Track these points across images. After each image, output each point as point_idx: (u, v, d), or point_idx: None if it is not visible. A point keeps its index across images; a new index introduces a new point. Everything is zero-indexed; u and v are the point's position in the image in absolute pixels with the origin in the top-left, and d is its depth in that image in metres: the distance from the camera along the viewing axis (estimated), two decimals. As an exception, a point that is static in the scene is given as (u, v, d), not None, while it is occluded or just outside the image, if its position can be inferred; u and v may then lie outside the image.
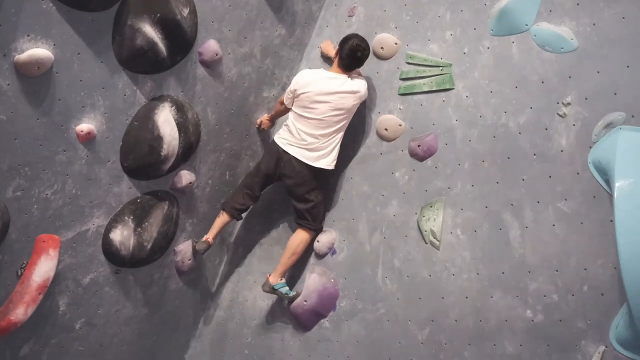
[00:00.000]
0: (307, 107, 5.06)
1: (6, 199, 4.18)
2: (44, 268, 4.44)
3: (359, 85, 5.07)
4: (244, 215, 5.52)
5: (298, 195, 5.29)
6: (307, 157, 5.12)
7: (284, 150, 5.17)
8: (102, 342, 5.11)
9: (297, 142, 5.12)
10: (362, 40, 5.07)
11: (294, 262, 5.36)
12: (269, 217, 5.78)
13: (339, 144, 5.16)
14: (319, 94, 5.01)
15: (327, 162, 5.15)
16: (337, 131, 5.10)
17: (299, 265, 5.49)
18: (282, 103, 5.37)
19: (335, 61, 5.15)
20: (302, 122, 5.10)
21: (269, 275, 5.32)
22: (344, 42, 5.08)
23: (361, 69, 5.28)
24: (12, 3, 3.90)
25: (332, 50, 5.35)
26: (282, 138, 5.20)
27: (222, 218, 5.43)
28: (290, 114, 5.21)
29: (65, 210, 4.54)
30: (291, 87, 5.16)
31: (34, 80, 4.13)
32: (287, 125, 5.21)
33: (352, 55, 5.05)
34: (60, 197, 4.47)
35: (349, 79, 5.09)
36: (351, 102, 5.04)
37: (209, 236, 5.39)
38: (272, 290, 5.29)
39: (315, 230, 5.38)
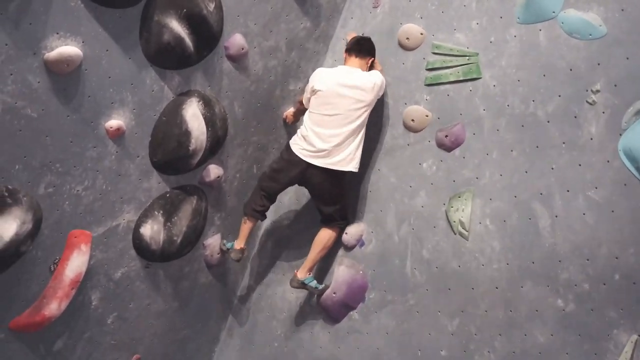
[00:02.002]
0: (327, 103, 5.00)
1: (38, 195, 4.24)
2: (76, 263, 4.49)
3: (375, 78, 5.05)
4: (267, 214, 5.52)
5: (326, 199, 5.27)
6: (335, 163, 5.03)
7: (309, 163, 5.07)
8: (134, 336, 5.17)
9: (319, 150, 5.01)
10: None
11: (323, 257, 5.37)
12: (297, 211, 5.79)
13: (362, 143, 5.10)
14: (338, 88, 4.98)
15: (355, 164, 5.09)
16: (359, 127, 5.02)
17: (327, 257, 5.49)
18: (301, 103, 5.36)
19: (345, 56, 5.20)
20: (322, 122, 5.01)
21: (297, 271, 5.31)
22: (348, 43, 5.27)
23: (387, 61, 5.27)
24: (41, 1, 3.95)
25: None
26: (303, 149, 5.07)
27: (248, 224, 5.38)
28: (306, 120, 5.13)
29: (96, 205, 4.59)
30: (308, 85, 5.16)
31: (64, 78, 4.18)
32: (304, 135, 5.07)
33: (357, 42, 5.18)
34: (91, 192, 4.52)
35: (365, 72, 5.09)
36: (369, 95, 5.00)
37: (240, 244, 5.37)
38: (302, 285, 5.29)
39: (344, 227, 5.39)
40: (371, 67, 5.20)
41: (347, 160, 5.04)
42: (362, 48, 5.15)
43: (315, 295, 5.46)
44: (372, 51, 5.19)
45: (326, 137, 5.00)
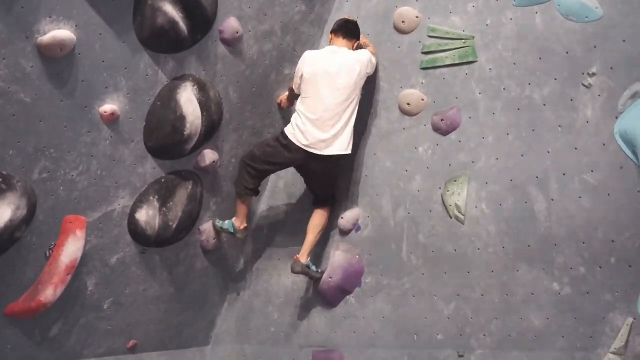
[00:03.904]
0: (319, 87, 4.95)
1: (32, 180, 4.23)
2: (71, 249, 4.49)
3: (361, 54, 5.05)
4: (262, 198, 5.50)
5: (323, 184, 5.32)
6: (336, 149, 5.01)
7: (314, 154, 5.01)
8: (130, 322, 5.17)
9: (321, 140, 4.96)
10: None
11: (320, 238, 5.37)
12: (292, 195, 5.77)
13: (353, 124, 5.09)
14: (327, 69, 4.95)
15: (350, 146, 5.08)
16: (352, 108, 4.99)
17: (323, 242, 5.49)
18: (292, 90, 5.36)
19: (331, 37, 5.18)
20: (317, 107, 4.95)
21: (297, 256, 5.27)
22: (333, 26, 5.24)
23: (382, 44, 5.26)
24: (33, -15, 3.92)
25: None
26: (303, 143, 4.98)
27: (244, 203, 5.34)
28: (299, 107, 5.06)
29: (91, 191, 4.57)
30: (297, 71, 5.12)
31: (57, 62, 4.15)
32: (301, 128, 4.98)
33: (344, 23, 5.16)
34: (85, 178, 4.51)
35: (351, 50, 5.08)
36: (359, 71, 4.96)
37: (243, 222, 5.37)
38: (305, 269, 5.25)
39: (333, 204, 5.41)
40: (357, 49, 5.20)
41: (346, 143, 5.04)
42: (349, 30, 5.14)
43: (313, 281, 5.46)
44: (357, 34, 5.18)
45: (324, 124, 4.95)
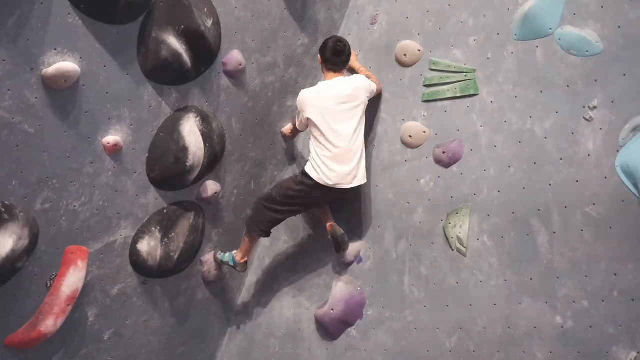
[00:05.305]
0: (327, 128, 4.90)
1: (35, 211, 4.23)
2: (72, 279, 4.47)
3: (359, 79, 5.05)
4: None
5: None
6: (362, 177, 5.02)
7: (343, 189, 5.00)
8: (131, 353, 5.14)
9: (345, 175, 4.93)
10: (339, 37, 5.17)
11: None
12: (295, 228, 5.77)
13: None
14: (331, 107, 4.91)
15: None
16: (361, 132, 4.98)
17: (325, 274, 5.50)
18: (295, 125, 5.35)
19: (323, 69, 5.12)
20: (332, 146, 4.89)
21: (331, 224, 5.29)
22: (322, 47, 5.10)
23: (384, 77, 5.29)
24: (39, 17, 3.96)
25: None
26: (333, 184, 4.92)
27: (253, 241, 5.33)
28: (314, 148, 4.99)
29: (93, 221, 4.58)
30: (301, 114, 5.07)
31: (61, 94, 4.18)
32: (322, 169, 4.91)
33: (334, 51, 5.02)
34: (88, 208, 4.51)
35: (346, 78, 5.05)
36: (360, 98, 4.96)
37: (245, 257, 5.36)
38: (344, 233, 5.27)
39: None
40: (351, 70, 5.24)
41: (365, 171, 5.05)
42: (339, 61, 5.04)
43: (342, 250, 5.38)
44: (347, 59, 5.09)
45: (345, 157, 4.91)
